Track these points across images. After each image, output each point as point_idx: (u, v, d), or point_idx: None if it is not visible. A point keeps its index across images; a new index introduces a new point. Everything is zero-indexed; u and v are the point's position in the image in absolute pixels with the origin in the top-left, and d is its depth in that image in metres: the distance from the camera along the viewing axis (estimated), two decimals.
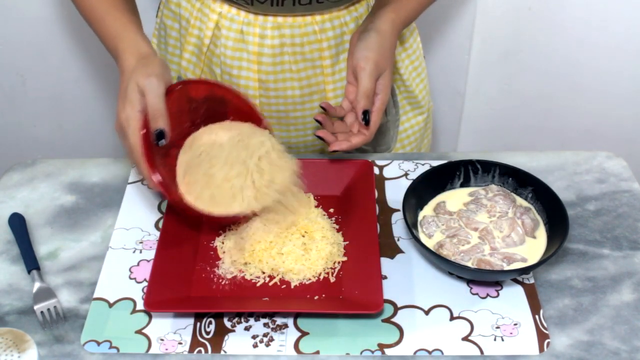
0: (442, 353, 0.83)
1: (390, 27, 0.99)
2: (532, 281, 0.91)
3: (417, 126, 1.25)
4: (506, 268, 0.88)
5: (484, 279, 0.90)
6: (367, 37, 0.98)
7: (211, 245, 0.96)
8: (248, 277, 0.91)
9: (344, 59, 1.10)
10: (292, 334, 0.85)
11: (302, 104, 1.12)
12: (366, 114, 0.96)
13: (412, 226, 0.91)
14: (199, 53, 1.10)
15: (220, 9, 1.05)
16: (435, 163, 1.07)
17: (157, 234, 0.98)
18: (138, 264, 0.94)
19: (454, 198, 0.98)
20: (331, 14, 1.06)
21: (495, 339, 0.84)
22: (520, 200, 0.98)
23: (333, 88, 1.12)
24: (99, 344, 0.84)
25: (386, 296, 0.89)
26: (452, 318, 0.87)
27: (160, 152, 0.90)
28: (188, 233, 0.95)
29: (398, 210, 1.02)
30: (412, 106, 1.23)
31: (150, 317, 0.87)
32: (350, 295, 0.87)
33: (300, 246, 0.92)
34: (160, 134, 0.87)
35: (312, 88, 1.11)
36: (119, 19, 0.95)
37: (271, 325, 0.86)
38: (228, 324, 0.86)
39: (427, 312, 0.87)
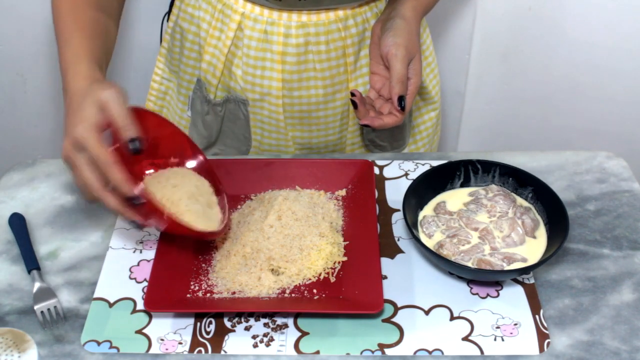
0: (442, 353, 0.83)
1: (413, 14, 1.00)
2: (532, 281, 0.91)
3: (430, 122, 1.25)
4: (506, 268, 0.88)
5: (484, 279, 0.90)
6: (394, 24, 0.98)
7: (211, 245, 0.96)
8: (247, 276, 0.91)
9: (365, 55, 1.10)
10: (292, 334, 0.85)
11: (325, 103, 1.12)
12: (402, 99, 0.96)
13: (412, 226, 0.91)
14: (220, 55, 1.09)
15: (243, 9, 1.05)
16: (435, 163, 1.07)
17: (157, 234, 0.98)
18: (138, 264, 0.94)
19: (454, 198, 0.98)
20: (354, 10, 1.06)
21: (495, 339, 0.84)
22: (520, 200, 0.98)
23: (355, 85, 1.12)
24: (99, 344, 0.84)
25: (386, 296, 0.89)
26: (452, 318, 0.87)
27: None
28: None
29: (398, 210, 1.02)
30: (425, 102, 1.23)
31: (150, 317, 0.87)
32: (350, 295, 0.87)
33: (297, 247, 0.92)
34: (136, 141, 0.80)
35: (335, 87, 1.11)
36: (78, 48, 0.90)
37: (271, 325, 0.86)
38: (228, 324, 0.86)
39: (427, 312, 0.87)
